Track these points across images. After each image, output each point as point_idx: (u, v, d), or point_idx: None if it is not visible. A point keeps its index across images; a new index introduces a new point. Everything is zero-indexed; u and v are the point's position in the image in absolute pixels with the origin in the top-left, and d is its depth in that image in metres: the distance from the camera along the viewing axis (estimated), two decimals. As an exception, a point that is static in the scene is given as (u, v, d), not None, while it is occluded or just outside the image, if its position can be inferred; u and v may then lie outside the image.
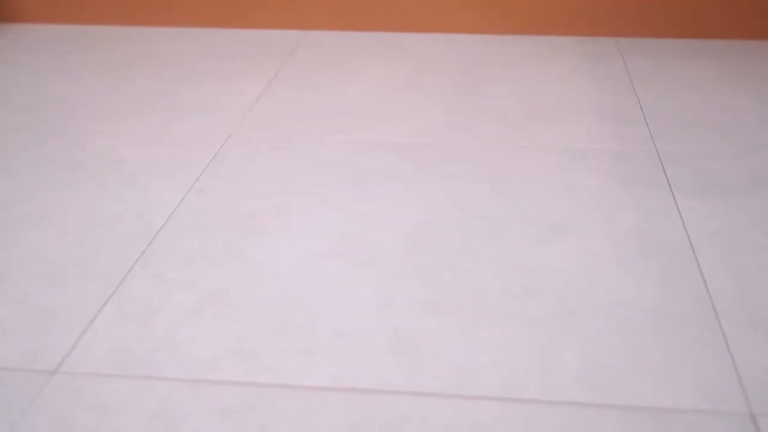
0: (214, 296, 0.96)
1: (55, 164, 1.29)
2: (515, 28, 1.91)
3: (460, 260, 1.02)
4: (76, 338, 0.89)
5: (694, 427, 0.76)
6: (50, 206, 1.16)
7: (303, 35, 1.93)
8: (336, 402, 0.80)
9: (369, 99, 1.54)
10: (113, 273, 1.01)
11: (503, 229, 1.09)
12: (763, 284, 0.96)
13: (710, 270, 0.99)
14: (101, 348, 0.88)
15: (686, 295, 0.95)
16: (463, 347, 0.87)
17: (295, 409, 0.79)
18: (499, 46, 1.84)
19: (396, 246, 1.06)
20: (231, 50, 1.83)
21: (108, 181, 1.24)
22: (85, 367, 0.85)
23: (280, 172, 1.26)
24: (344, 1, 1.93)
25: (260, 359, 0.85)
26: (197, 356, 0.86)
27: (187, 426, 0.77)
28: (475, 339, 0.88)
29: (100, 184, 1.23)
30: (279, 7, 1.95)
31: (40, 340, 0.89)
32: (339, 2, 1.94)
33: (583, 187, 1.20)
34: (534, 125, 1.41)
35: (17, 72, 1.71)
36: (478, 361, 0.85)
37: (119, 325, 0.91)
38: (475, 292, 0.96)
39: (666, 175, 1.22)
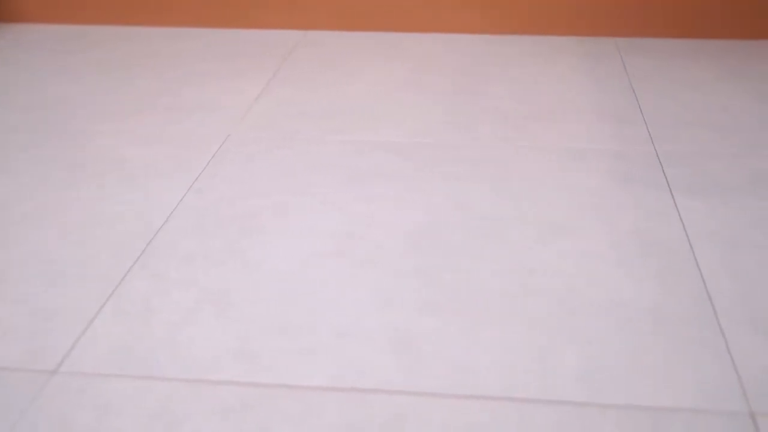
0: (214, 296, 0.96)
1: (55, 164, 1.29)
2: (515, 28, 1.91)
3: (460, 260, 1.02)
4: (76, 338, 0.89)
5: (694, 426, 0.76)
6: (50, 206, 1.16)
7: (303, 35, 1.93)
8: (336, 402, 0.80)
9: (369, 99, 1.54)
10: (113, 273, 1.01)
11: (503, 229, 1.09)
12: (763, 284, 0.97)
13: (710, 270, 0.99)
14: (101, 348, 0.88)
15: (686, 295, 0.95)
16: (463, 347, 0.87)
17: (295, 409, 0.79)
18: (499, 46, 1.84)
19: (396, 246, 1.06)
20: (231, 50, 1.83)
21: (108, 181, 1.24)
22: (85, 367, 0.85)
23: (279, 171, 1.26)
24: (344, 1, 1.93)
25: (260, 359, 0.85)
26: (197, 356, 0.86)
27: (187, 426, 0.77)
28: (475, 339, 0.88)
29: (100, 184, 1.23)
30: (279, 7, 1.95)
31: (40, 340, 0.89)
32: (339, 2, 1.94)
33: (583, 187, 1.20)
34: (534, 125, 1.41)
35: (17, 72, 1.71)
36: (477, 361, 0.85)
37: (119, 325, 0.91)
38: (475, 292, 0.96)
39: (665, 175, 1.22)
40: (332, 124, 1.43)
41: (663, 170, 1.24)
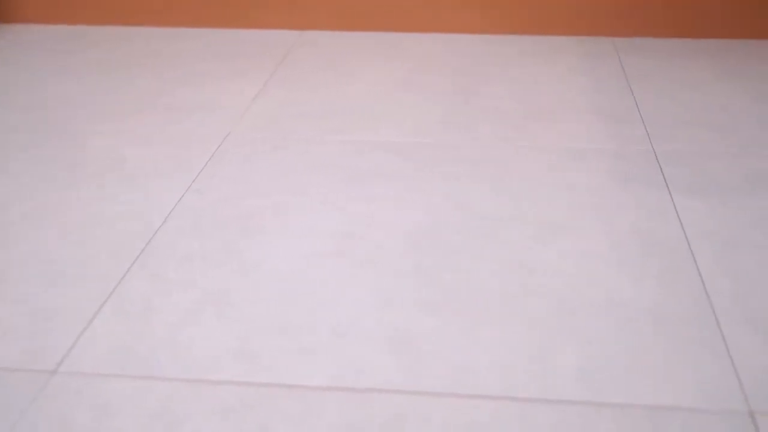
0: (214, 296, 0.96)
1: (55, 164, 1.29)
2: (515, 28, 1.91)
3: (460, 260, 1.02)
4: (76, 338, 0.89)
5: (693, 425, 0.76)
6: (50, 206, 1.17)
7: (302, 35, 1.93)
8: (336, 402, 0.80)
9: (368, 99, 1.54)
10: (113, 273, 1.01)
11: (503, 228, 1.09)
12: (761, 284, 0.97)
13: (708, 270, 0.99)
14: (101, 348, 0.88)
15: (685, 295, 0.95)
16: (463, 347, 0.87)
17: (294, 409, 0.79)
18: (498, 46, 1.84)
19: (396, 246, 1.06)
20: (230, 50, 1.83)
21: (107, 180, 1.24)
22: (84, 367, 0.85)
23: (279, 171, 1.26)
24: (343, 1, 1.93)
25: (260, 359, 0.86)
26: (197, 356, 0.86)
27: (187, 426, 0.77)
28: (475, 338, 0.88)
29: (99, 184, 1.23)
30: (278, 7, 1.95)
31: (40, 340, 0.89)
32: (338, 2, 1.94)
33: (582, 186, 1.20)
34: (533, 125, 1.41)
35: (17, 72, 1.71)
36: (477, 360, 0.85)
37: (119, 325, 0.91)
38: (475, 291, 0.96)
39: (663, 175, 1.22)
40: (332, 124, 1.43)
41: (661, 170, 1.24)
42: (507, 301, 0.94)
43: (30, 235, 1.09)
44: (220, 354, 0.86)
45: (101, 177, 1.25)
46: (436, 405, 0.79)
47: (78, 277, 1.00)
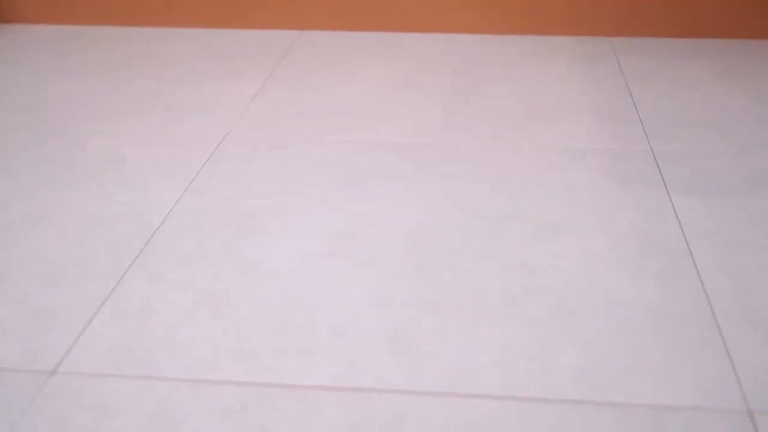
0: (213, 296, 0.96)
1: (55, 164, 1.29)
2: (515, 28, 1.91)
3: (460, 260, 1.02)
4: (75, 338, 0.89)
5: (693, 424, 0.76)
6: (50, 206, 1.17)
7: (302, 35, 1.93)
8: (336, 401, 0.80)
9: (368, 99, 1.54)
10: (112, 273, 1.01)
11: (503, 228, 1.09)
12: (760, 283, 0.97)
13: (707, 269, 0.99)
14: (100, 348, 0.88)
15: (684, 295, 0.95)
16: (463, 347, 0.87)
17: (294, 409, 0.79)
18: (497, 46, 1.84)
19: (395, 246, 1.06)
20: (230, 50, 1.83)
21: (107, 181, 1.24)
22: (84, 367, 0.85)
23: (277, 171, 1.26)
24: (343, 1, 1.93)
25: (260, 359, 0.86)
26: (196, 356, 0.86)
27: (187, 426, 0.77)
28: (475, 338, 0.88)
29: (99, 184, 1.23)
30: (277, 7, 1.95)
31: (39, 340, 0.89)
32: (338, 2, 1.94)
33: (581, 186, 1.20)
34: (532, 125, 1.41)
35: (17, 72, 1.71)
36: (477, 360, 0.85)
37: (118, 325, 0.91)
38: (475, 291, 0.96)
39: (662, 175, 1.22)
40: (331, 124, 1.43)
41: (660, 170, 1.24)
42: (507, 301, 0.94)
43: (30, 235, 1.09)
44: (220, 354, 0.86)
45: (101, 177, 1.25)
46: (436, 405, 0.79)
47: (78, 277, 1.00)
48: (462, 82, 1.62)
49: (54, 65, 1.75)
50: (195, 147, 1.34)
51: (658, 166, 1.25)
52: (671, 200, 1.15)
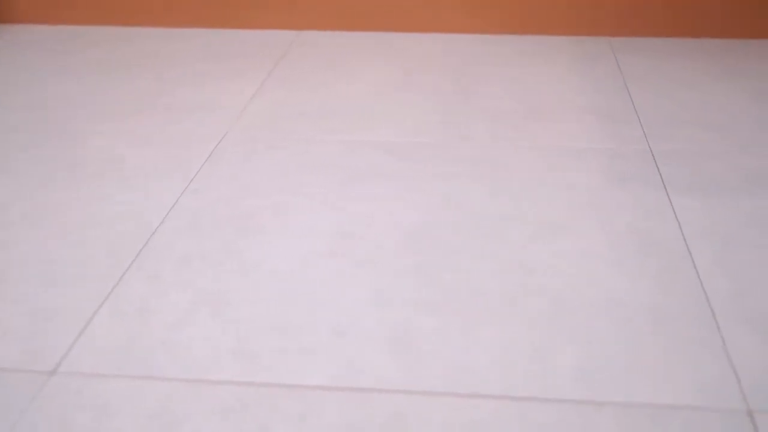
0: (213, 296, 0.96)
1: (55, 164, 1.29)
2: (514, 28, 1.91)
3: (460, 260, 1.02)
4: (75, 338, 0.89)
5: (692, 423, 0.76)
6: (50, 206, 1.17)
7: (301, 35, 1.94)
8: (335, 401, 0.80)
9: (367, 99, 1.54)
10: (112, 273, 1.01)
11: (502, 228, 1.09)
12: (759, 282, 0.97)
13: (706, 269, 1.00)
14: (100, 348, 0.88)
15: (683, 294, 0.95)
16: (462, 346, 0.87)
17: (294, 409, 0.79)
18: (496, 46, 1.84)
19: (395, 246, 1.06)
20: (229, 50, 1.83)
21: (107, 181, 1.24)
22: (83, 367, 0.85)
23: (277, 171, 1.26)
24: (342, 1, 1.93)
25: (259, 359, 0.86)
26: (196, 356, 0.86)
27: (186, 426, 0.77)
28: (475, 338, 0.88)
29: (99, 184, 1.23)
30: (277, 7, 1.95)
31: (39, 340, 0.89)
32: (337, 2, 1.94)
33: (580, 186, 1.20)
34: (531, 125, 1.41)
35: (17, 72, 1.71)
36: (476, 360, 0.85)
37: (118, 325, 0.91)
38: (474, 291, 0.96)
39: (660, 174, 1.22)
40: (331, 124, 1.43)
41: (659, 169, 1.24)
42: (506, 300, 0.94)
43: (30, 235, 1.09)
44: (220, 354, 0.86)
45: (101, 177, 1.25)
46: (436, 405, 0.79)
47: (77, 277, 1.00)
48: (462, 82, 1.62)
49: (54, 65, 1.75)
50: (195, 147, 1.35)
51: (657, 165, 1.25)
52: (670, 200, 1.15)
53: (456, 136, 1.37)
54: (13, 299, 0.96)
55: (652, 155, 1.29)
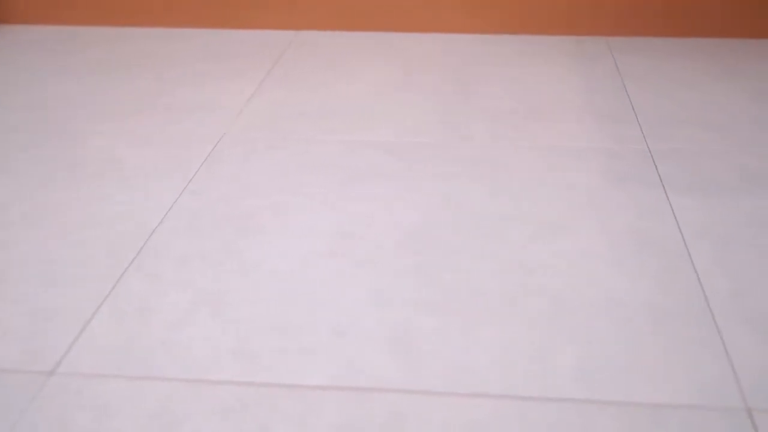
0: (212, 296, 0.96)
1: (55, 164, 1.29)
2: (514, 28, 1.91)
3: (459, 260, 1.02)
4: (75, 338, 0.89)
5: (692, 422, 0.76)
6: (50, 206, 1.17)
7: (300, 35, 1.94)
8: (335, 401, 0.80)
9: (367, 98, 1.54)
10: (112, 273, 1.01)
11: (502, 228, 1.09)
12: (758, 282, 0.97)
13: (705, 269, 1.00)
14: (100, 348, 0.88)
15: (682, 293, 0.95)
16: (462, 346, 0.87)
17: (294, 409, 0.79)
18: (495, 46, 1.84)
19: (395, 246, 1.06)
20: (228, 50, 1.83)
21: (107, 181, 1.24)
22: (83, 367, 0.85)
23: (276, 171, 1.26)
24: (342, 1, 1.94)
25: (259, 359, 0.86)
26: (196, 356, 0.86)
27: (186, 426, 0.77)
28: (475, 338, 0.88)
29: (99, 184, 1.23)
30: (276, 7, 1.95)
31: (39, 340, 0.89)
32: (336, 2, 1.94)
33: (580, 186, 1.20)
34: (531, 125, 1.41)
35: (17, 72, 1.71)
36: (476, 359, 0.85)
37: (118, 325, 0.91)
38: (474, 291, 0.96)
39: (659, 174, 1.22)
40: (331, 124, 1.43)
41: (657, 169, 1.24)
42: (506, 300, 0.94)
43: (30, 235, 1.09)
44: (220, 354, 0.86)
45: (100, 177, 1.25)
46: (436, 404, 0.79)
47: (77, 277, 1.00)
48: (461, 82, 1.62)
49: (54, 65, 1.75)
50: (194, 147, 1.35)
51: (655, 165, 1.25)
52: (669, 200, 1.15)
53: (456, 136, 1.37)
54: (13, 299, 0.96)
55: (651, 155, 1.29)
